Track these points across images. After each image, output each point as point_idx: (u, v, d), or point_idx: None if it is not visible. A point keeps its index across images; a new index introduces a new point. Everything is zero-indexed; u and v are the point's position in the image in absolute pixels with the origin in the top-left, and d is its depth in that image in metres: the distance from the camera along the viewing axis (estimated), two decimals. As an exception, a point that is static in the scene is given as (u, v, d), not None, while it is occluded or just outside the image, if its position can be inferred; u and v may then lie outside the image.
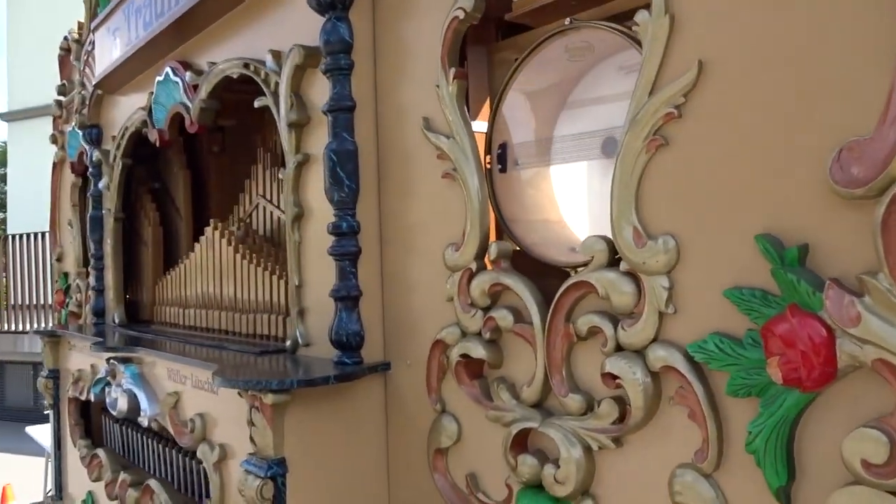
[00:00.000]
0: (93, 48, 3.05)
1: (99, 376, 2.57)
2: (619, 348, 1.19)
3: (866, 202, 0.90)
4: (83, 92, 3.24)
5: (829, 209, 0.94)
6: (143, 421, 2.18)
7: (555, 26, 1.42)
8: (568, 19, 1.37)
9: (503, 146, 1.49)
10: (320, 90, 1.78)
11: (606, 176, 1.43)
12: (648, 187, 1.16)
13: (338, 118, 1.66)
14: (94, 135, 3.20)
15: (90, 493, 2.76)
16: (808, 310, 0.94)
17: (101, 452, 2.61)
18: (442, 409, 1.54)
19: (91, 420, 2.98)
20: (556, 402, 1.31)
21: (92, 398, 2.62)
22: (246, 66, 2.05)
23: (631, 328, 1.16)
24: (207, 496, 2.03)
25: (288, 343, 1.90)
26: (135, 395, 2.26)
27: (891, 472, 0.87)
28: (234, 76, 2.15)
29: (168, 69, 2.43)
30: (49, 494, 3.37)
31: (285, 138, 1.86)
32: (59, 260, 4.19)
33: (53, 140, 4.10)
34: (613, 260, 1.22)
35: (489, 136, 1.51)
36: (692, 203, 1.10)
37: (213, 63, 2.23)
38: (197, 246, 2.62)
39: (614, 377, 1.18)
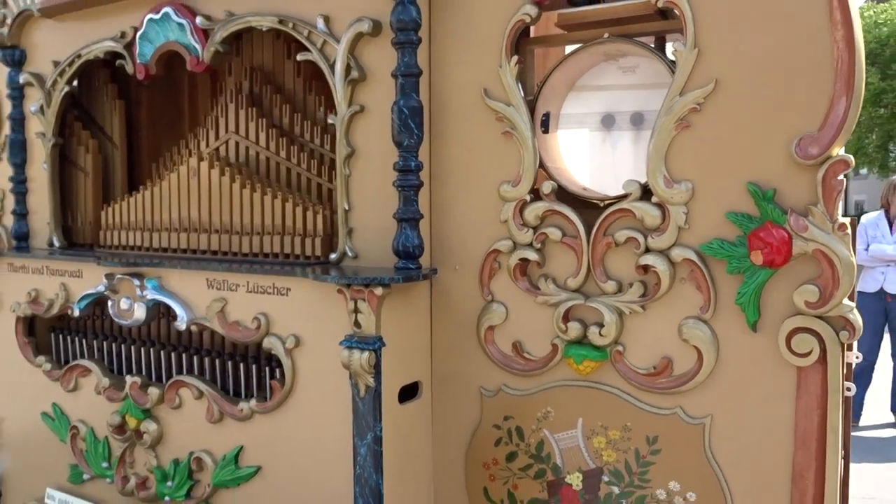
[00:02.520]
0: (24, -31, 3.04)
1: (87, 292, 2.76)
2: (646, 251, 1.93)
3: (813, 167, 1.72)
4: (3, 10, 3.18)
5: (791, 170, 1.75)
6: (181, 325, 2.49)
7: (590, 35, 2.08)
8: (606, 34, 2.04)
9: (546, 114, 2.14)
10: (373, 53, 2.26)
11: (604, 141, 2.17)
12: (674, 151, 1.89)
13: (407, 81, 2.16)
14: (18, 56, 3.19)
15: (55, 405, 2.92)
16: (777, 224, 1.75)
17: (86, 362, 2.81)
18: (492, 299, 2.17)
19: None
20: (593, 286, 2.02)
21: (76, 313, 2.79)
22: (282, 22, 2.42)
23: (659, 237, 1.91)
24: (236, 392, 2.46)
25: (333, 256, 2.38)
26: (158, 305, 2.55)
27: (818, 305, 1.72)
28: (263, 28, 2.50)
29: (169, 10, 2.64)
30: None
31: (340, 91, 2.30)
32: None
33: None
34: (643, 194, 1.94)
35: (534, 106, 2.14)
36: (703, 163, 1.86)
37: (231, 13, 2.54)
38: (172, 172, 2.85)
39: (646, 268, 1.93)
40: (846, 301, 1.73)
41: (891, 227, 5.32)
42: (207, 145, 2.93)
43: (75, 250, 3.09)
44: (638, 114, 2.14)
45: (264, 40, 2.82)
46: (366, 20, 2.22)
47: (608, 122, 2.20)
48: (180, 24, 2.64)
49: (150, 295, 2.57)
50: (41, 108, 3.13)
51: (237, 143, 2.86)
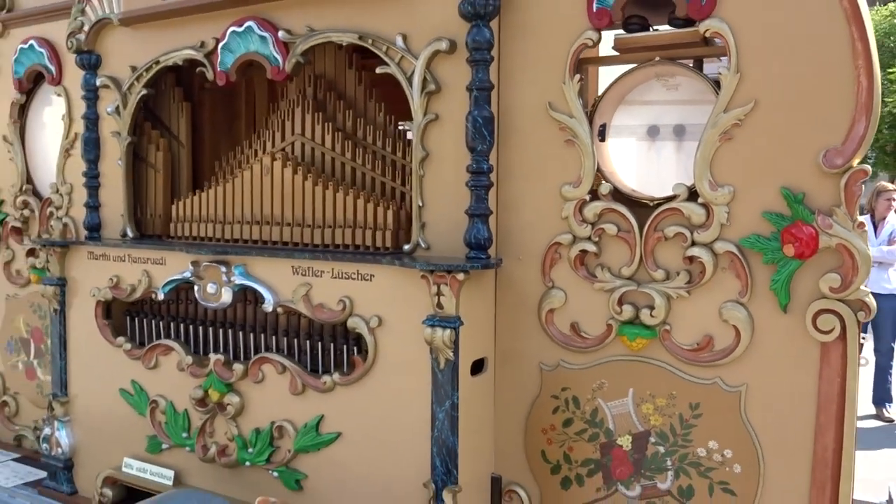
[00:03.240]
0: (107, -18, 3.32)
1: (172, 277, 3.05)
2: (692, 244, 2.26)
3: (837, 175, 2.06)
4: (80, 18, 3.44)
5: (818, 177, 2.10)
6: (268, 307, 2.79)
7: (641, 57, 2.41)
8: (657, 57, 2.38)
9: (603, 125, 2.47)
10: (447, 68, 2.57)
11: (649, 150, 2.50)
12: (718, 160, 2.23)
13: (481, 94, 2.48)
14: (94, 60, 3.46)
15: (134, 381, 3.20)
16: (806, 222, 2.10)
17: (168, 342, 3.09)
18: (552, 286, 2.50)
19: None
20: (644, 274, 2.35)
21: (160, 297, 3.07)
22: (361, 38, 2.73)
23: (704, 233, 2.24)
24: (313, 368, 2.77)
25: (407, 247, 2.69)
26: (243, 289, 2.85)
27: (840, 290, 2.07)
28: (343, 43, 2.81)
29: (252, 24, 2.94)
30: (48, 395, 3.61)
31: (416, 101, 2.61)
32: (-21, 176, 4.19)
33: (-21, 54, 4.07)
34: (690, 196, 2.27)
35: (592, 118, 2.46)
36: (743, 170, 2.20)
37: (312, 28, 2.84)
38: (245, 169, 3.13)
39: (691, 259, 2.26)
40: (863, 287, 2.08)
41: (875, 230, 5.72)
42: (273, 145, 3.22)
43: (154, 240, 3.35)
44: (680, 126, 2.48)
45: (326, 50, 3.12)
46: (444, 40, 2.53)
47: (653, 132, 2.53)
48: (262, 37, 2.94)
49: (238, 280, 2.86)
50: (117, 108, 3.40)
51: (303, 145, 3.16)
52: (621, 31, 2.45)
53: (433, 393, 2.45)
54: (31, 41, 3.81)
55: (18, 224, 4.00)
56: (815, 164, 2.10)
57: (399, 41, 2.64)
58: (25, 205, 3.98)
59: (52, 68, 3.77)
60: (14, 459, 3.99)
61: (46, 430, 3.50)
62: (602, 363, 2.44)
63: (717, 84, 2.28)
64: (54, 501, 3.42)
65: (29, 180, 4.02)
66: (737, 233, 2.22)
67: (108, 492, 3.26)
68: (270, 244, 3.04)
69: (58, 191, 3.80)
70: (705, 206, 2.25)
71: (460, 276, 2.36)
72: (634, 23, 2.43)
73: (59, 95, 3.77)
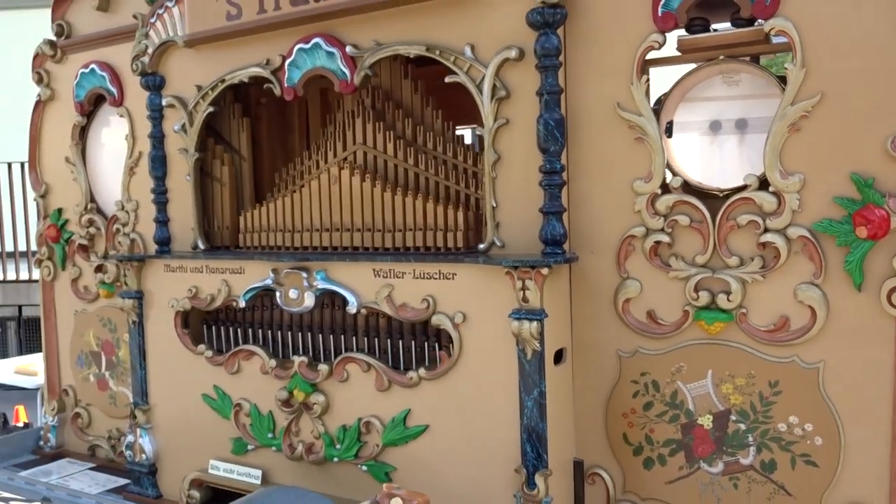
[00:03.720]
0: (171, 5, 3.46)
1: (253, 285, 3.19)
2: (765, 230, 2.39)
3: (906, 160, 2.20)
4: (144, 42, 3.59)
5: (886, 162, 2.22)
6: (352, 309, 2.92)
7: (704, 56, 2.55)
8: (721, 56, 2.51)
9: (670, 122, 2.60)
10: (516, 74, 2.70)
11: (710, 145, 2.63)
12: (787, 150, 2.35)
13: (551, 98, 2.61)
14: (158, 81, 3.60)
15: (217, 387, 3.34)
16: (878, 205, 2.23)
17: (250, 347, 3.23)
18: (627, 276, 2.63)
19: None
20: (717, 261, 2.48)
21: (241, 304, 3.22)
22: (429, 49, 2.86)
23: (776, 219, 2.37)
24: (394, 365, 2.90)
25: (482, 246, 2.82)
26: (326, 293, 2.99)
27: (914, 268, 2.20)
28: (410, 55, 2.94)
29: (319, 40, 3.08)
30: (129, 404, 3.75)
31: (486, 108, 2.75)
32: (42, 196, 4.34)
33: (38, 79, 4.23)
34: (761, 185, 2.40)
35: (658, 115, 2.59)
36: (812, 158, 2.32)
37: (379, 42, 2.98)
38: (313, 179, 3.27)
39: (765, 244, 2.39)
40: (935, 264, 2.21)
41: None
42: (335, 155, 3.36)
43: (234, 251, 3.49)
44: (742, 120, 2.60)
45: (381, 61, 3.24)
46: (513, 48, 2.67)
47: (716, 127, 2.66)
48: (330, 53, 3.08)
49: (320, 285, 3.00)
50: (183, 126, 3.54)
51: (365, 153, 3.29)
52: (684, 32, 2.58)
53: (521, 382, 2.58)
54: (92, 65, 3.96)
55: (85, 242, 4.15)
56: (882, 150, 2.23)
57: (468, 51, 2.77)
58: (91, 223, 4.12)
59: (114, 90, 3.91)
60: (90, 468, 4.14)
61: (129, 438, 3.64)
62: (680, 347, 2.57)
63: (780, 79, 2.41)
64: (141, 505, 3.57)
65: (92, 199, 4.16)
66: (809, 218, 2.35)
67: (196, 493, 3.41)
68: (341, 249, 3.18)
69: (123, 208, 3.95)
70: (776, 194, 2.38)
71: (545, 271, 2.50)
72: (697, 24, 2.56)
73: (121, 116, 3.91)
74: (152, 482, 3.60)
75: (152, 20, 3.55)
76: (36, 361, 5.37)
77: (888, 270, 2.25)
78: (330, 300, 3.10)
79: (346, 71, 3.05)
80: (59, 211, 4.27)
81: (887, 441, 2.30)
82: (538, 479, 2.55)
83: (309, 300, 3.04)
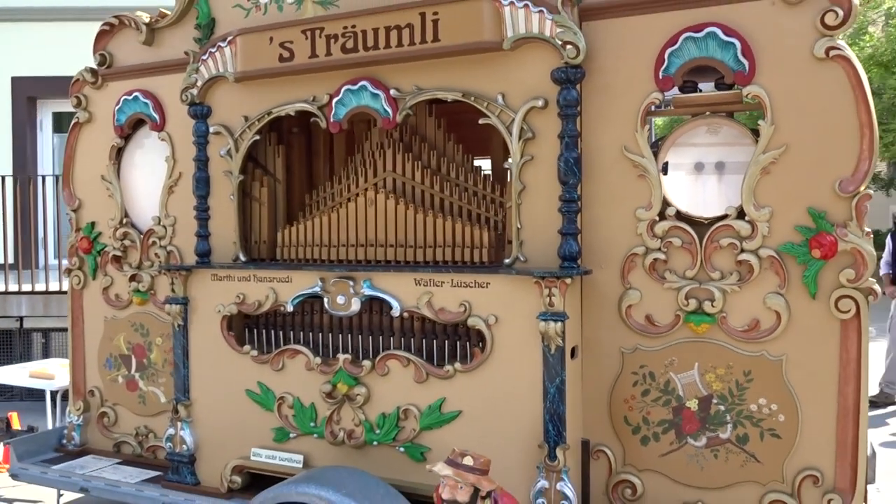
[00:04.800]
0: (224, 45, 3.92)
1: (301, 292, 3.65)
2: (742, 251, 3.03)
3: (849, 198, 2.87)
4: (195, 76, 4.04)
5: (835, 200, 2.89)
6: (395, 313, 3.43)
7: (693, 111, 3.20)
8: (707, 111, 3.16)
9: (666, 163, 3.23)
10: (539, 119, 3.29)
11: (695, 182, 3.27)
12: (759, 188, 3.00)
13: (570, 140, 3.21)
14: (205, 111, 4.05)
15: (260, 383, 3.77)
16: (828, 232, 2.89)
17: (296, 346, 3.68)
18: (629, 287, 3.23)
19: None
20: (703, 275, 3.10)
21: (290, 309, 3.67)
22: (464, 95, 3.43)
23: (750, 242, 3.01)
24: (439, 360, 3.42)
25: (507, 261, 3.38)
26: (370, 299, 3.48)
27: (855, 280, 2.86)
28: (448, 100, 3.50)
29: (366, 83, 3.60)
30: (171, 400, 4.12)
31: (514, 146, 3.32)
32: (75, 210, 4.69)
33: (77, 103, 4.60)
34: (738, 215, 3.05)
35: (656, 156, 3.22)
36: (778, 195, 2.98)
37: (420, 87, 3.53)
38: (350, 200, 3.78)
39: (741, 262, 3.03)
40: (871, 278, 2.88)
41: None
42: (365, 181, 3.88)
43: (278, 263, 3.93)
44: (721, 162, 3.25)
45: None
46: (540, 98, 3.26)
47: (699, 167, 3.30)
48: (374, 94, 3.61)
49: (366, 292, 3.50)
50: (228, 151, 4.00)
51: (394, 180, 3.83)
52: (678, 92, 3.23)
53: (545, 372, 3.14)
54: (136, 93, 4.36)
55: (118, 253, 4.51)
56: (832, 190, 2.90)
57: (499, 98, 3.35)
58: (125, 236, 4.49)
59: (156, 116, 4.33)
60: (117, 463, 4.46)
61: (170, 431, 4.01)
62: (672, 345, 3.17)
63: (752, 130, 3.07)
64: (182, 492, 3.94)
65: (126, 214, 4.54)
66: (775, 241, 2.99)
67: (237, 478, 3.81)
68: (374, 262, 3.69)
69: (160, 222, 4.35)
70: (751, 222, 3.02)
71: (568, 281, 3.08)
72: (688, 86, 3.21)
73: (162, 140, 4.33)
74: (191, 471, 3.98)
75: (204, 57, 4.00)
76: (47, 365, 5.62)
77: (836, 283, 2.92)
78: (369, 306, 3.59)
79: (389, 110, 3.58)
80: (92, 224, 4.62)
81: (833, 417, 2.95)
82: (559, 452, 3.10)
83: (355, 305, 3.54)
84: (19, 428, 5.89)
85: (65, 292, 7.68)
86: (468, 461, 2.72)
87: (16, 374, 5.47)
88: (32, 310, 8.31)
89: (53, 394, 5.64)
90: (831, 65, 2.88)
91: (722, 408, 3.12)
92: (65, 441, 4.70)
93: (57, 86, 10.08)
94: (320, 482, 3.19)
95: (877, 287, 2.89)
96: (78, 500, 5.37)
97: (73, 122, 4.67)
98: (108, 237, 4.57)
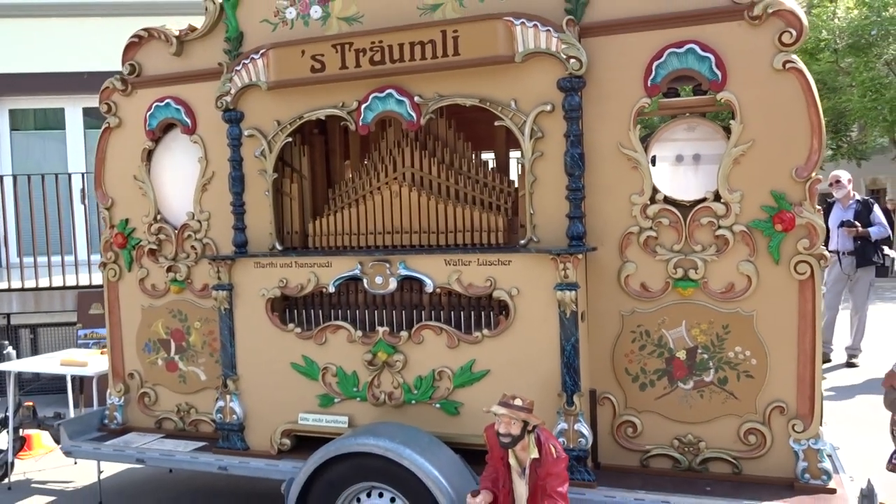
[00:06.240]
0: (257, 57, 4.39)
1: (341, 275, 4.18)
2: (719, 227, 3.71)
3: (803, 182, 3.57)
4: (228, 84, 4.49)
5: (792, 184, 3.59)
6: (429, 289, 3.99)
7: (676, 112, 3.85)
8: (686, 112, 3.82)
9: (654, 156, 3.88)
10: (547, 121, 3.89)
11: (677, 171, 3.95)
12: (732, 175, 3.67)
13: (574, 139, 3.82)
14: (238, 116, 4.52)
15: (305, 356, 4.30)
16: (787, 210, 3.60)
17: (338, 322, 4.22)
18: (626, 260, 3.88)
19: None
20: (688, 248, 3.77)
21: (331, 290, 4.20)
22: (481, 101, 4.01)
23: (726, 220, 3.69)
24: (467, 328, 4.02)
25: (522, 242, 3.99)
26: (406, 279, 4.04)
27: (809, 248, 3.58)
28: (466, 105, 4.07)
29: (392, 91, 4.14)
30: (219, 376, 4.59)
31: (526, 144, 3.92)
32: (108, 209, 5.09)
33: (107, 109, 4.99)
34: (715, 198, 3.72)
35: (646, 150, 3.86)
36: (747, 181, 3.65)
37: (441, 94, 4.08)
38: (375, 193, 4.33)
39: (718, 237, 3.71)
40: (822, 246, 3.59)
41: None
42: (386, 175, 4.43)
43: (323, 250, 4.43)
44: (697, 154, 3.92)
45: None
46: (548, 103, 3.86)
47: (679, 159, 3.97)
48: (400, 101, 4.15)
49: (402, 272, 4.05)
50: (262, 152, 4.48)
51: (412, 174, 4.39)
52: (662, 97, 3.88)
53: (561, 333, 3.77)
54: (168, 100, 4.78)
55: (154, 247, 4.94)
56: (790, 177, 3.59)
57: (513, 104, 3.94)
58: (160, 230, 4.92)
59: (188, 121, 4.76)
60: (161, 437, 4.92)
61: (220, 403, 4.50)
62: (663, 307, 3.84)
63: (724, 128, 3.75)
64: (233, 456, 4.44)
65: (158, 211, 4.96)
66: (746, 218, 3.68)
67: (287, 441, 4.34)
68: (401, 247, 4.24)
69: (194, 217, 4.80)
70: (725, 204, 3.70)
71: (580, 257, 3.71)
72: (671, 91, 3.87)
73: (195, 143, 4.77)
74: (241, 437, 4.49)
75: (237, 68, 4.46)
76: (74, 354, 5.97)
77: (794, 251, 3.62)
78: (403, 285, 4.15)
79: (413, 114, 4.13)
80: (126, 221, 5.02)
81: (795, 359, 3.67)
82: (575, 399, 3.75)
83: (392, 284, 4.09)
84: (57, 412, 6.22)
85: (54, 288, 8.02)
86: (518, 402, 3.32)
87: (46, 364, 5.81)
88: (23, 306, 8.55)
89: (74, 381, 6.01)
90: (788, 75, 3.56)
91: (705, 356, 3.81)
92: (107, 421, 5.12)
93: (12, 83, 10.19)
94: (376, 434, 3.76)
95: (827, 253, 3.61)
96: (112, 477, 5.80)
97: (102, 127, 5.05)
98: (143, 232, 4.99)
